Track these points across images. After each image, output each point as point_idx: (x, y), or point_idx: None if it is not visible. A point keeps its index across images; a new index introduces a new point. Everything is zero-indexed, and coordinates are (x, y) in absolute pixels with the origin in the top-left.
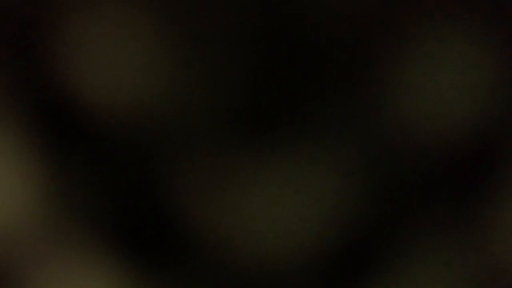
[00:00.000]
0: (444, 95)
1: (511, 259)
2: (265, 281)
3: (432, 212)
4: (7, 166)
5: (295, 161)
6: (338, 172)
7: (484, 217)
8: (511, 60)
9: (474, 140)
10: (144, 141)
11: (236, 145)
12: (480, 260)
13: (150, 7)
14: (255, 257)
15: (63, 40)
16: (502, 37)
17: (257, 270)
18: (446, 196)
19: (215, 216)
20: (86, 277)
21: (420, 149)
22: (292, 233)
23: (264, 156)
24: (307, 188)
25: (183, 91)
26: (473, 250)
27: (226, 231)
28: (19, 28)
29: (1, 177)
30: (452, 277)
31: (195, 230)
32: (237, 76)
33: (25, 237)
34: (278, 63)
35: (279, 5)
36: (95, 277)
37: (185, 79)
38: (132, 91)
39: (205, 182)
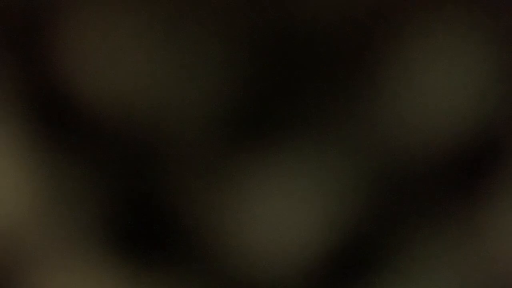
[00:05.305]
0: (443, 94)
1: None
2: (265, 282)
3: (433, 212)
4: (7, 165)
5: (295, 161)
6: (336, 173)
7: (485, 217)
8: (510, 60)
9: (475, 139)
10: (144, 142)
11: (235, 146)
12: (481, 260)
13: (150, 7)
14: (254, 258)
15: (62, 39)
16: (503, 36)
17: (257, 270)
18: (446, 196)
19: (215, 218)
20: (86, 277)
21: (420, 149)
22: (292, 234)
23: (264, 158)
24: (306, 189)
25: (181, 91)
26: (474, 250)
27: (225, 233)
28: (19, 28)
29: (0, 177)
30: (452, 277)
31: (195, 232)
32: (235, 78)
33: (25, 237)
34: (274, 65)
35: (274, 7)
36: (95, 277)
37: (183, 80)
38: (132, 92)
39: (205, 184)
